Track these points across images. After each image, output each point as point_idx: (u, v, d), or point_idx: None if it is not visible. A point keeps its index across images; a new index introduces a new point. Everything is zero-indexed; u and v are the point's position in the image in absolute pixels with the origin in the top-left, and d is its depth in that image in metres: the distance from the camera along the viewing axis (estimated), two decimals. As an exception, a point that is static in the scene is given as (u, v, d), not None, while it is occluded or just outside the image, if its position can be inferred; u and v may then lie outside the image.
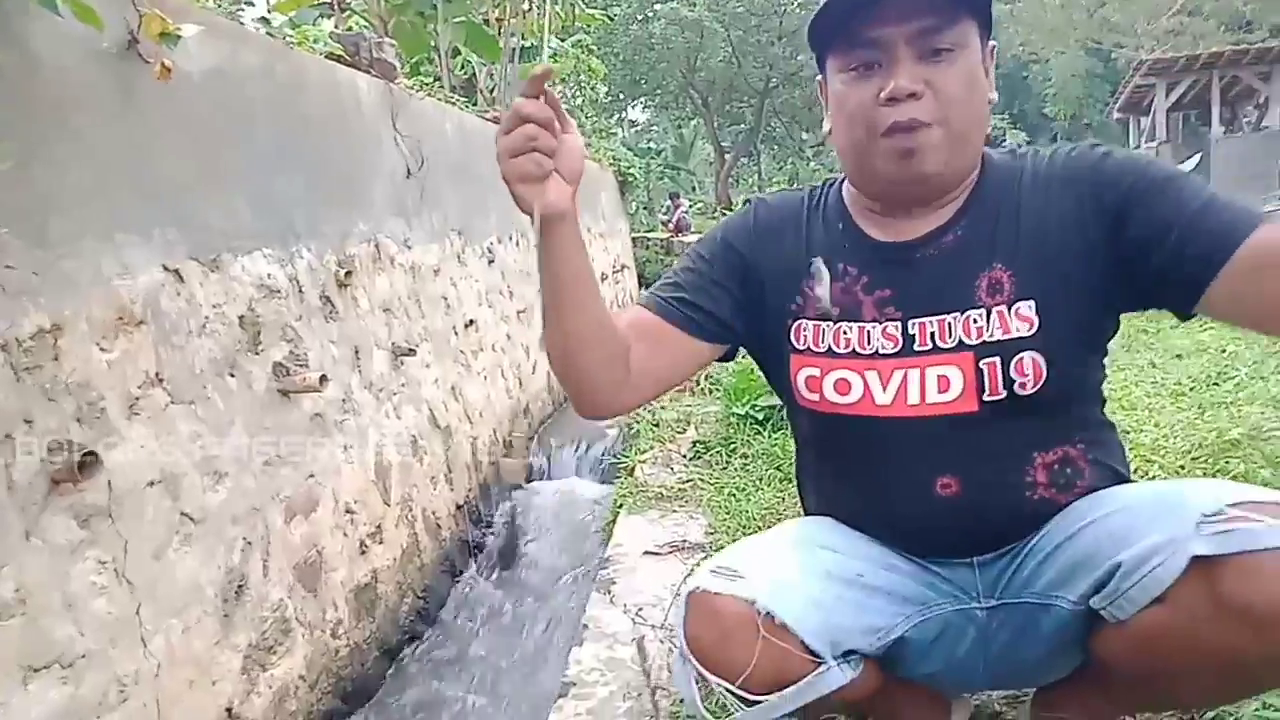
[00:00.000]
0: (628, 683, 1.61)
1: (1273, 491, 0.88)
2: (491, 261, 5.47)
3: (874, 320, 1.05)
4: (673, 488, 2.65)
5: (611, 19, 16.43)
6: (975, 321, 1.00)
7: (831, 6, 0.96)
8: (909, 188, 1.02)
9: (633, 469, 2.93)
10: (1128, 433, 2.38)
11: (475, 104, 6.80)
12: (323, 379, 2.84)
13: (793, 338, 1.10)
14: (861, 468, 1.10)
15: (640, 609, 1.87)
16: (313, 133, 3.27)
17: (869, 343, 1.05)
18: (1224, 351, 3.07)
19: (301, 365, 2.93)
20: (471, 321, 4.91)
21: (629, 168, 11.69)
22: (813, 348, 1.08)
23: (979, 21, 0.98)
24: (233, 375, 2.56)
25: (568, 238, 0.96)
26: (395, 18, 5.66)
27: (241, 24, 3.08)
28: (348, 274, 3.35)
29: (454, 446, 4.33)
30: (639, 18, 19.21)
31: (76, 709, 1.79)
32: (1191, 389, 2.72)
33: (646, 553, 2.22)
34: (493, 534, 4.30)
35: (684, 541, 2.26)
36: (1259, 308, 0.87)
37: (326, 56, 3.59)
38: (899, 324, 1.04)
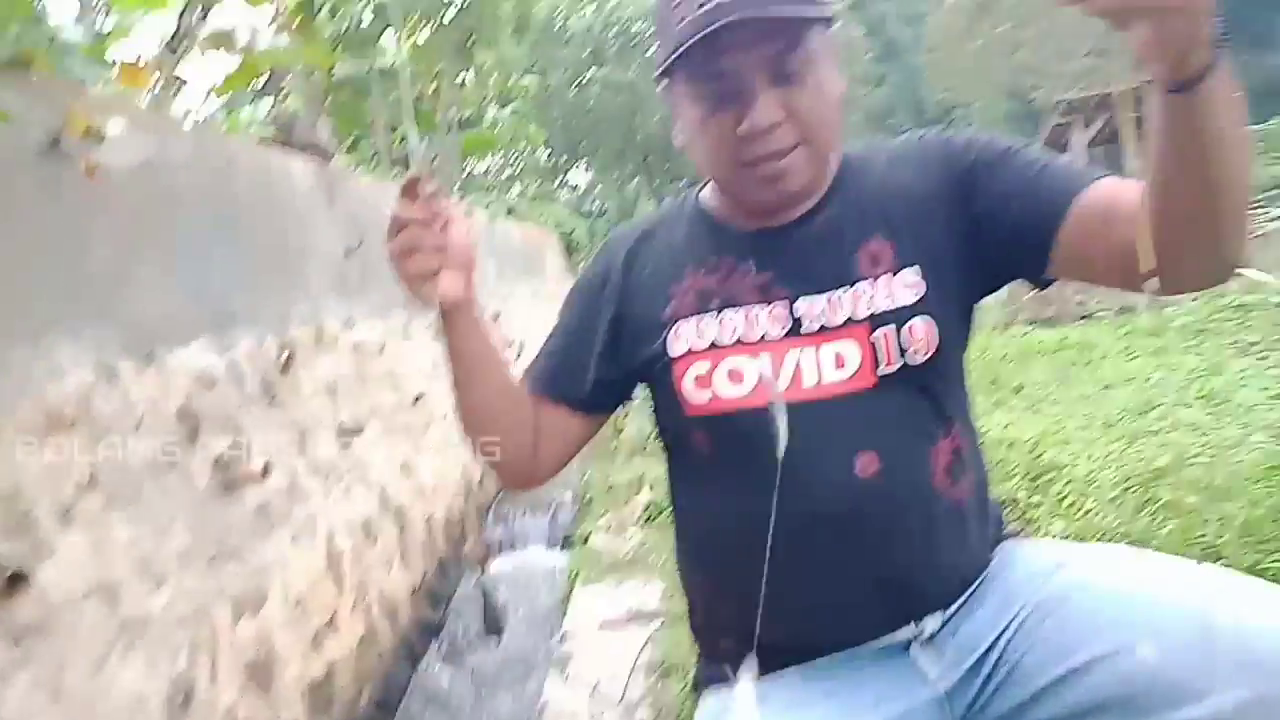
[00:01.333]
0: (586, 764, 1.58)
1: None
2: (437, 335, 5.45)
3: (760, 303, 1.01)
4: (627, 554, 2.65)
5: (548, 86, 16.77)
6: (863, 294, 0.98)
7: (680, 38, 0.92)
8: (779, 204, 1.02)
9: (586, 537, 2.92)
10: (1063, 467, 2.45)
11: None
12: (265, 469, 2.79)
13: (670, 346, 1.02)
14: (769, 472, 0.95)
15: (597, 685, 1.85)
16: (246, 219, 3.26)
17: (756, 327, 1.00)
18: (1148, 380, 3.19)
19: (243, 455, 2.88)
20: (420, 396, 4.87)
21: (573, 231, 11.83)
22: (694, 346, 1.02)
23: (822, 21, 0.96)
24: (172, 473, 2.51)
25: (466, 323, 1.00)
26: (332, 96, 5.72)
27: (170, 115, 3.09)
28: (289, 357, 3.32)
29: (408, 526, 4.26)
30: (575, 84, 19.65)
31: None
32: (1120, 419, 2.81)
33: (603, 625, 2.21)
34: (453, 613, 4.21)
35: (640, 610, 2.25)
36: (1099, 263, 0.90)
37: (260, 141, 3.61)
38: (786, 304, 1.00)
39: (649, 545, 2.69)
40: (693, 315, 1.03)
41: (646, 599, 2.34)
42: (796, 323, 0.99)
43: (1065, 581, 0.99)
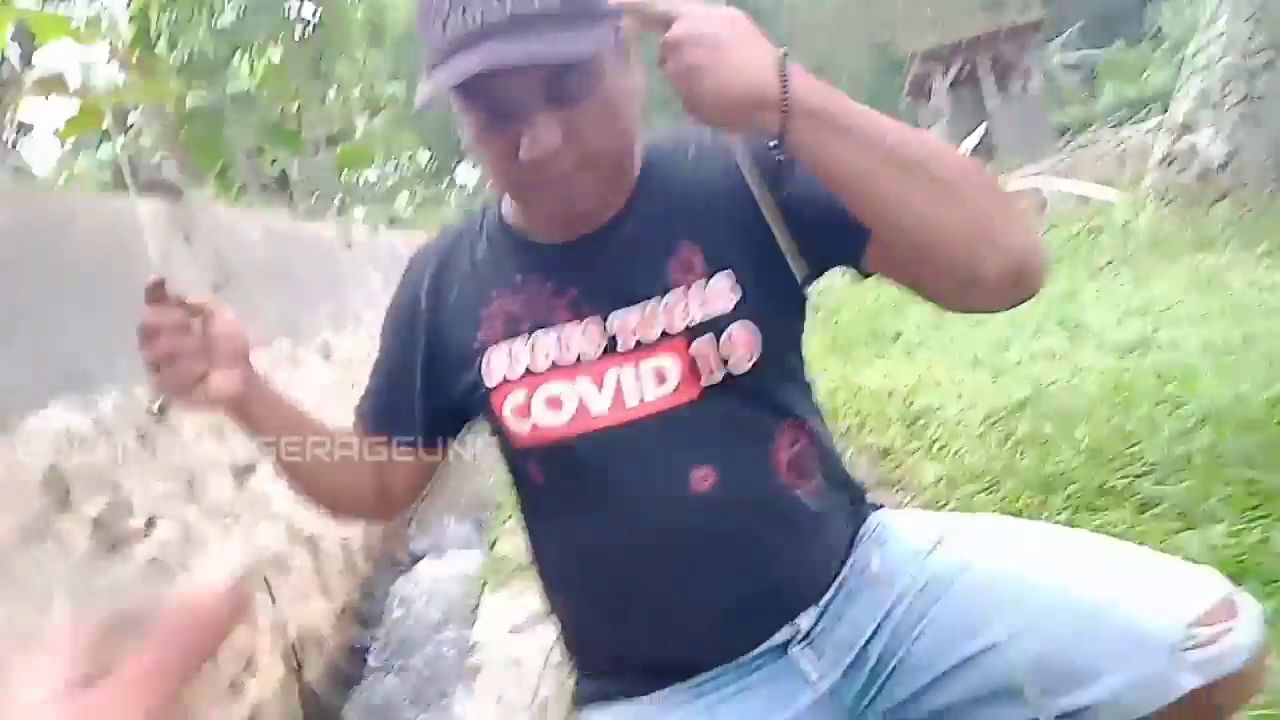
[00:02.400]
0: (498, 773, 1.60)
1: (1155, 554, 0.93)
2: (328, 356, 5.32)
3: (570, 320, 0.96)
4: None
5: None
6: (676, 305, 0.94)
7: (444, 47, 0.84)
8: (571, 222, 0.97)
9: (494, 542, 2.91)
10: (937, 409, 2.56)
11: (292, 198, 6.64)
12: (149, 523, 2.69)
13: (485, 376, 0.98)
14: (602, 499, 0.95)
15: (500, 697, 1.86)
16: (95, 272, 3.11)
17: (569, 348, 0.96)
18: (1008, 312, 3.32)
19: (123, 510, 2.76)
20: (317, 421, 4.74)
21: (464, 230, 11.61)
22: (508, 375, 0.96)
23: (606, 21, 0.87)
24: (45, 541, 2.39)
25: (258, 408, 0.96)
26: (185, 128, 5.47)
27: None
28: (163, 404, 3.19)
29: (322, 554, 4.16)
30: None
31: None
32: (986, 357, 2.94)
33: (512, 630, 2.21)
34: (381, 631, 4.15)
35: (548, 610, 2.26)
36: (905, 281, 0.91)
37: (100, 189, 3.43)
38: (599, 320, 0.95)
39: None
40: (503, 341, 0.98)
41: (554, 597, 2.35)
42: (612, 340, 0.95)
43: (947, 562, 0.99)
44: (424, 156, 17.56)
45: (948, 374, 2.86)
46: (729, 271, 0.95)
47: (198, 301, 0.90)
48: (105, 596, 2.54)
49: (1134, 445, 1.89)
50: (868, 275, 0.97)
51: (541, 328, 0.97)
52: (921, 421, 2.52)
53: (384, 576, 4.70)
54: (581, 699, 1.11)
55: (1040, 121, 12.99)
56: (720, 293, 0.94)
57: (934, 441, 2.36)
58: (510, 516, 3.12)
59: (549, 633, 2.15)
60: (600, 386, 0.95)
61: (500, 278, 1.01)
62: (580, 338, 0.96)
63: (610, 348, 0.95)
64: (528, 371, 0.97)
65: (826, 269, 0.99)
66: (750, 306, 0.94)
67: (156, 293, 0.87)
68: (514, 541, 2.89)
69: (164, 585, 2.85)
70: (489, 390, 0.98)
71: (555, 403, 0.95)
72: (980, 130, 11.69)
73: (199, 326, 0.89)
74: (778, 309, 0.98)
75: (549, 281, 0.99)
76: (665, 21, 0.82)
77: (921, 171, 0.80)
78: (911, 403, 2.67)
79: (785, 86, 0.78)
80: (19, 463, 2.37)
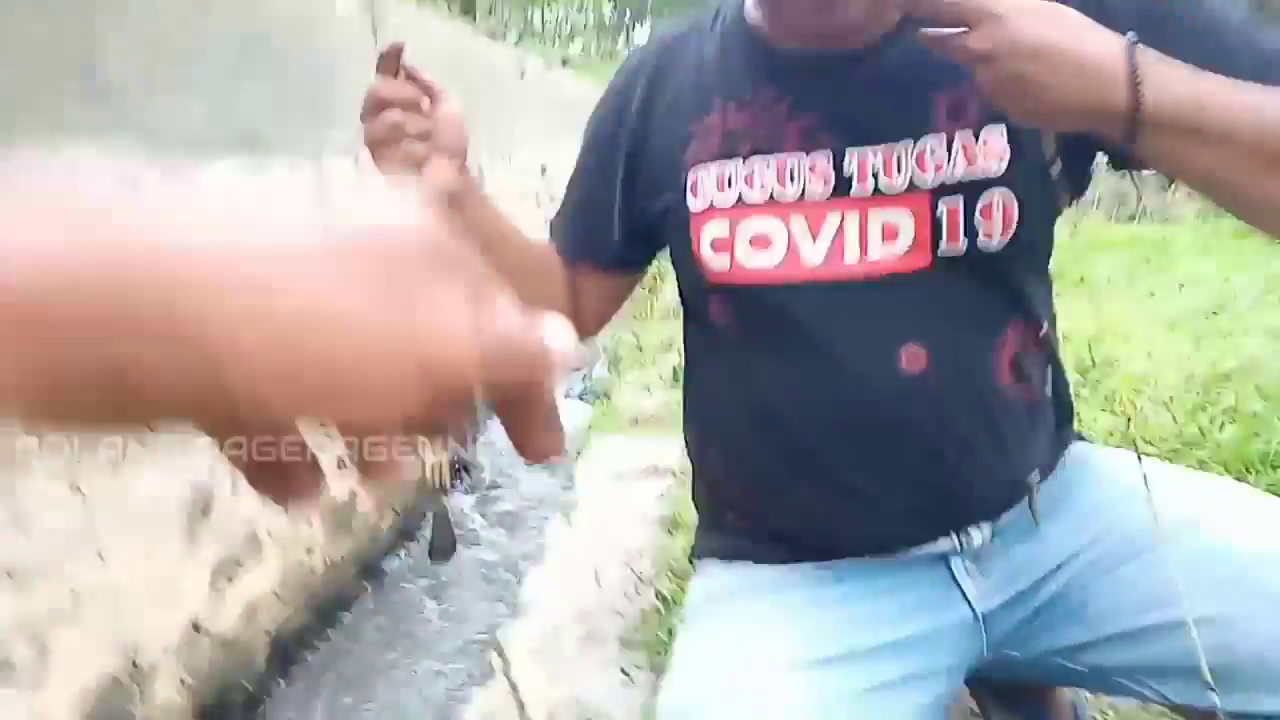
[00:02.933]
0: (581, 608, 1.57)
1: None
2: (482, 181, 5.34)
3: (799, 150, 0.82)
4: (648, 412, 2.60)
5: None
6: (933, 153, 0.79)
7: None
8: (833, 27, 0.82)
9: (609, 393, 2.87)
10: (1117, 362, 2.31)
11: (473, 15, 6.55)
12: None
13: (688, 193, 0.86)
14: (797, 356, 0.85)
15: (601, 533, 1.82)
16: (278, 41, 3.11)
17: (792, 181, 0.82)
18: (1226, 281, 2.97)
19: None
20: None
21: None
22: (716, 201, 0.85)
23: None
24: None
25: (467, 209, 0.87)
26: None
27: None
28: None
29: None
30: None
31: None
32: (1189, 320, 2.63)
33: (616, 477, 2.17)
34: (479, 457, 4.29)
35: (656, 466, 2.21)
36: None
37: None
38: (829, 156, 0.82)
39: (673, 405, 2.63)
40: (715, 161, 0.85)
41: (663, 455, 2.30)
42: (845, 180, 0.81)
43: (1163, 515, 0.84)
44: (607, 8, 17.14)
45: (1139, 329, 2.57)
46: (1003, 126, 0.78)
47: (429, 80, 0.80)
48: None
49: (1365, 445, 1.63)
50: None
51: (763, 153, 0.83)
52: (1100, 372, 2.28)
53: (488, 405, 4.81)
54: (704, 551, 1.03)
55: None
56: (990, 150, 0.78)
57: (1113, 395, 2.13)
58: (631, 370, 3.07)
59: (653, 488, 2.11)
60: (818, 232, 0.82)
61: (727, 86, 0.86)
62: (808, 171, 0.82)
63: (841, 189, 0.81)
64: (739, 201, 0.84)
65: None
66: (1020, 174, 0.78)
67: (390, 62, 0.78)
68: (629, 396, 2.85)
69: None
70: (689, 214, 0.86)
71: (763, 241, 0.83)
72: None
73: (426, 107, 0.80)
74: (1046, 185, 0.81)
75: (786, 98, 0.83)
76: (973, 20, 0.64)
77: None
78: (1091, 349, 2.42)
79: (1138, 96, 0.62)
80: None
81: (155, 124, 2.36)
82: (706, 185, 0.86)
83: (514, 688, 0.80)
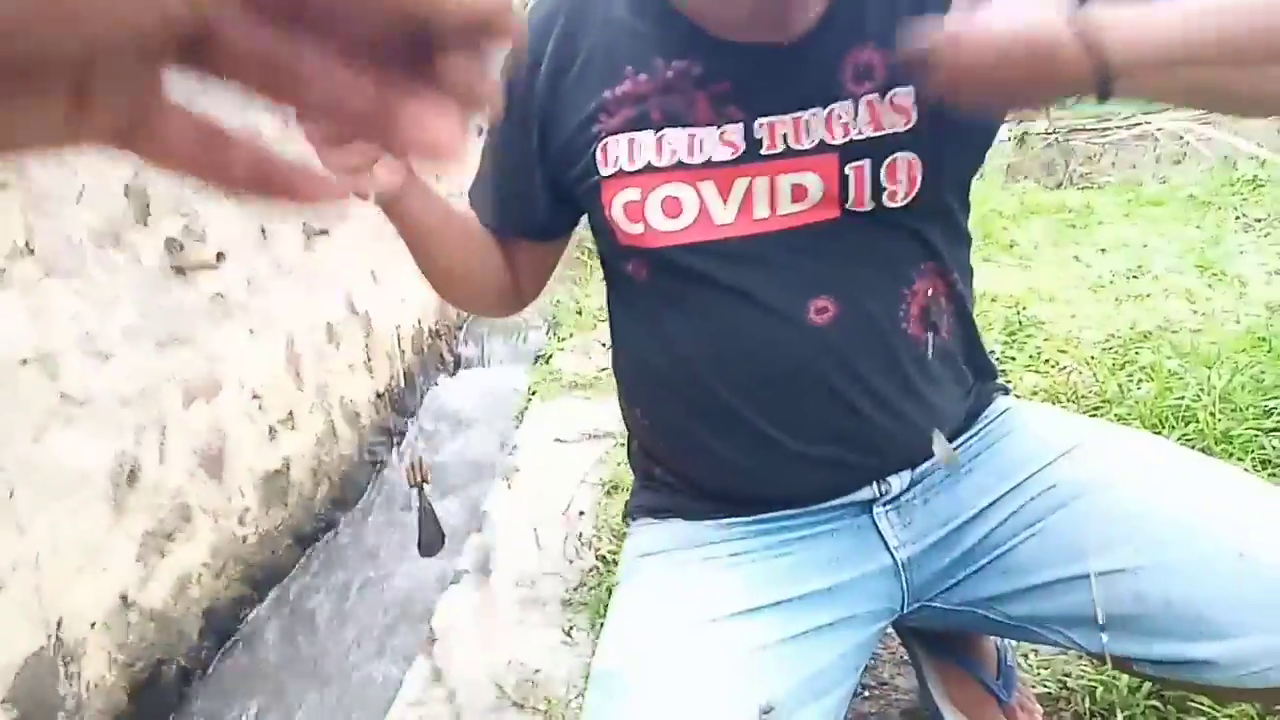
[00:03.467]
0: (521, 570, 1.57)
1: None
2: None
3: (708, 124, 0.83)
4: (589, 376, 2.59)
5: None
6: (840, 117, 0.80)
7: None
8: (772, 21, 0.81)
9: (549, 357, 2.86)
10: (1044, 323, 2.38)
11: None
12: (219, 255, 2.67)
13: (599, 160, 0.87)
14: (710, 312, 0.87)
15: (540, 495, 1.82)
16: None
17: (699, 150, 0.83)
18: (1145, 246, 3.08)
19: (198, 242, 2.74)
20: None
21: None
22: (626, 167, 0.85)
23: None
24: (118, 249, 2.37)
25: (414, 206, 0.88)
26: None
27: None
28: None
29: (374, 333, 4.19)
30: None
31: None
32: (1111, 282, 2.73)
33: (556, 440, 2.17)
34: (415, 423, 4.23)
35: (595, 430, 2.21)
36: None
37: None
38: (741, 126, 0.82)
39: (610, 369, 2.64)
40: (626, 132, 0.85)
41: (602, 419, 2.30)
42: (755, 144, 0.82)
43: (1084, 470, 0.88)
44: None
45: (1063, 291, 2.66)
46: (911, 88, 0.79)
47: None
48: (166, 315, 2.56)
49: (1270, 399, 1.71)
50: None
51: (674, 123, 0.83)
52: (1027, 332, 2.36)
53: (428, 372, 4.75)
54: (636, 511, 1.05)
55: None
56: (896, 109, 0.80)
57: (1037, 354, 2.20)
58: (571, 335, 3.05)
59: (593, 451, 2.11)
60: (727, 195, 0.83)
61: (637, 52, 0.85)
62: (717, 141, 0.82)
63: (751, 154, 0.82)
64: (648, 167, 0.84)
65: None
66: (927, 132, 0.80)
67: None
68: (570, 360, 2.84)
69: (221, 323, 2.87)
70: (601, 179, 0.86)
71: (674, 205, 0.84)
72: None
73: None
74: (957, 139, 0.82)
75: (696, 69, 0.83)
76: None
77: (1258, 47, 0.64)
78: (1020, 311, 2.49)
79: (1103, 65, 0.62)
80: (101, 168, 2.33)
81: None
82: (618, 153, 0.85)
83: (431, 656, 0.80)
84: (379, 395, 4.12)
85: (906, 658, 1.27)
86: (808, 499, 0.92)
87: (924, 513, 0.93)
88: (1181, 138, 6.08)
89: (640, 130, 0.85)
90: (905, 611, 0.95)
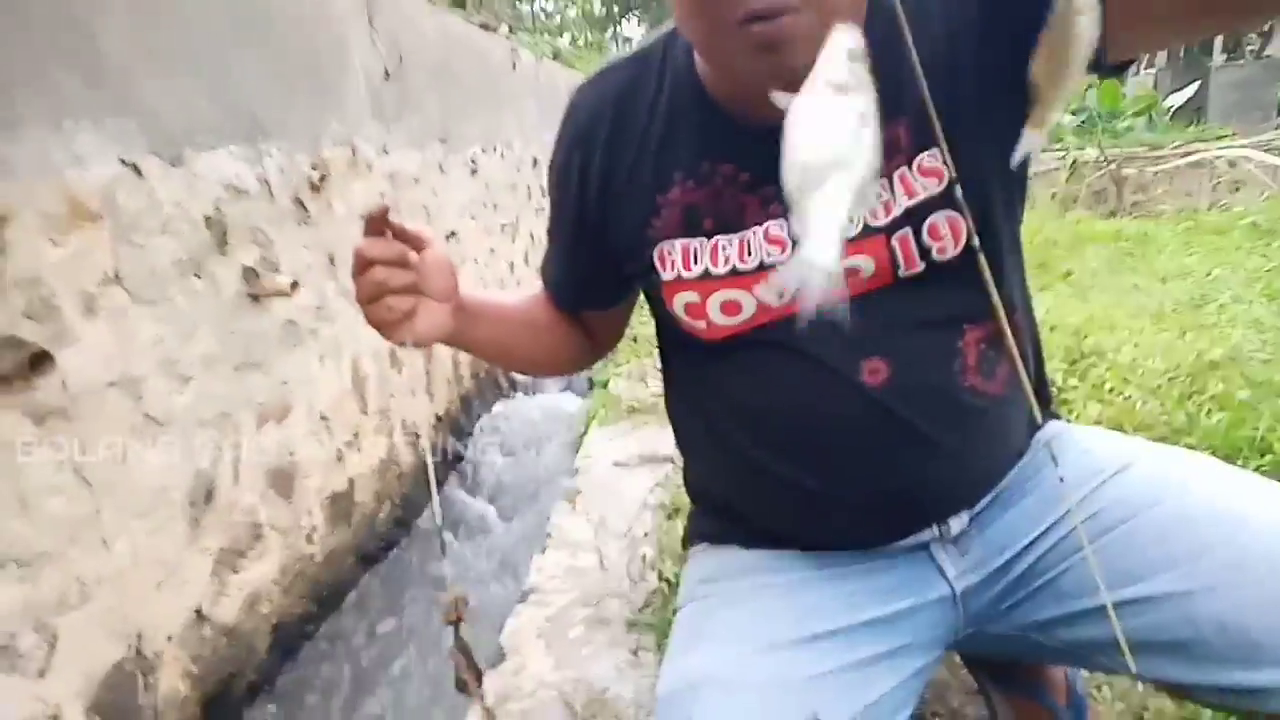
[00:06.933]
0: (587, 590, 1.60)
1: None
2: (475, 172, 5.33)
3: (755, 225, 0.86)
4: (645, 401, 2.63)
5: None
6: (879, 197, 0.83)
7: None
8: (773, 82, 0.79)
9: (606, 383, 2.90)
10: (1105, 353, 2.35)
11: (464, 7, 6.53)
12: (294, 284, 2.77)
13: (657, 263, 0.91)
14: (769, 380, 0.90)
15: (603, 519, 1.86)
16: (278, 25, 3.11)
17: (749, 256, 0.87)
18: (1209, 275, 3.03)
19: (273, 270, 2.86)
20: (453, 233, 4.81)
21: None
22: (684, 274, 0.89)
23: None
24: (198, 278, 2.49)
25: (464, 336, 0.96)
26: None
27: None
28: (322, 178, 3.24)
29: (434, 358, 4.29)
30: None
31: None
32: (1174, 311, 2.68)
33: (615, 464, 2.21)
34: (473, 445, 4.31)
35: (654, 454, 2.24)
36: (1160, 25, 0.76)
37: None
38: (784, 223, 0.84)
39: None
40: (680, 238, 0.89)
41: (659, 444, 2.33)
42: None
43: (1134, 491, 0.87)
44: (596, 2, 17.07)
45: (1125, 320, 2.62)
46: (933, 150, 0.81)
47: (415, 231, 0.86)
48: (242, 340, 2.67)
49: (1349, 434, 1.68)
50: (1111, 72, 0.79)
51: (724, 232, 0.87)
52: (1089, 361, 2.33)
53: (484, 397, 4.83)
54: (695, 536, 1.08)
55: (1268, 90, 11.43)
56: (926, 173, 0.82)
57: (1100, 384, 2.18)
58: (628, 361, 3.10)
59: (652, 474, 2.14)
60: (783, 291, 0.82)
61: (684, 156, 0.89)
62: (764, 242, 0.86)
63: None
64: (706, 275, 0.88)
65: None
66: (959, 186, 0.79)
67: (377, 224, 0.84)
68: (626, 385, 2.88)
69: (293, 348, 2.97)
70: (662, 283, 0.92)
71: (733, 307, 0.88)
72: (1190, 89, 10.48)
73: (413, 259, 0.86)
74: (991, 180, 0.83)
75: (746, 173, 0.86)
76: None
77: None
78: (1082, 340, 2.46)
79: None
80: (183, 200, 2.45)
81: (158, 109, 2.36)
82: (674, 258, 0.90)
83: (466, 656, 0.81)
84: (439, 418, 4.22)
85: (976, 687, 1.27)
86: (868, 545, 0.94)
87: (980, 542, 0.93)
88: (1234, 164, 5.95)
89: (694, 237, 0.89)
90: (960, 638, 0.96)
